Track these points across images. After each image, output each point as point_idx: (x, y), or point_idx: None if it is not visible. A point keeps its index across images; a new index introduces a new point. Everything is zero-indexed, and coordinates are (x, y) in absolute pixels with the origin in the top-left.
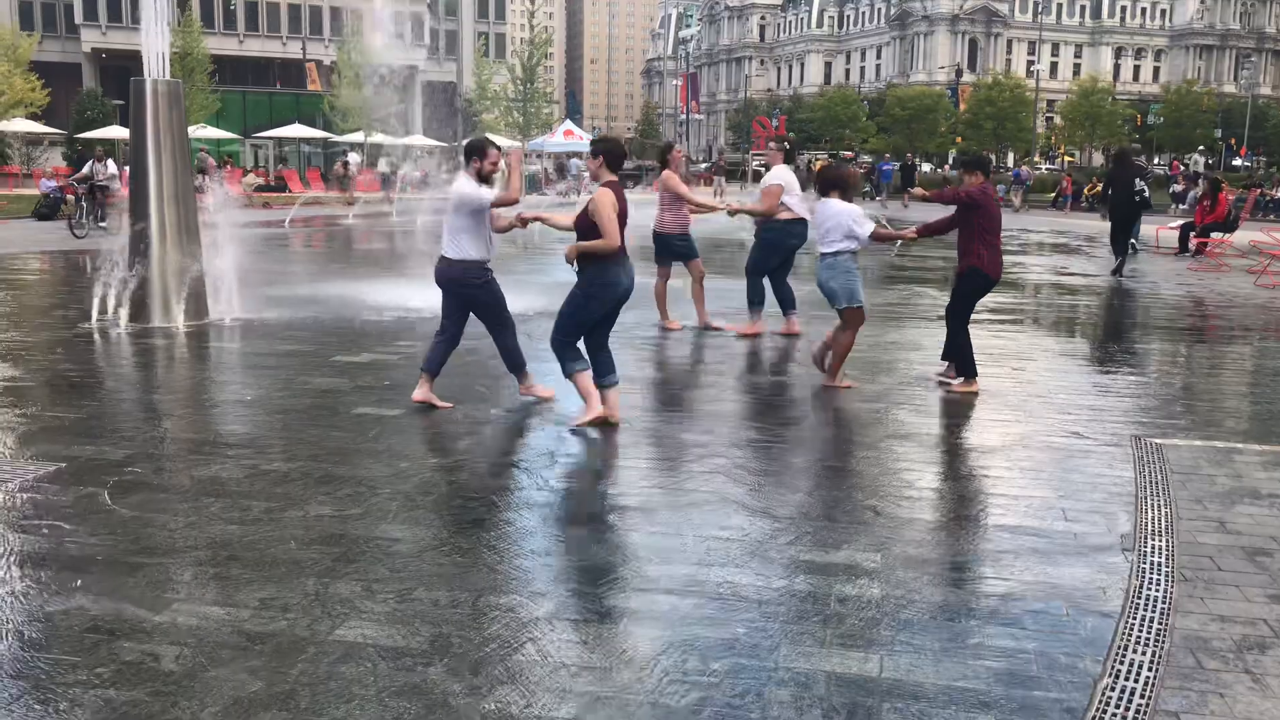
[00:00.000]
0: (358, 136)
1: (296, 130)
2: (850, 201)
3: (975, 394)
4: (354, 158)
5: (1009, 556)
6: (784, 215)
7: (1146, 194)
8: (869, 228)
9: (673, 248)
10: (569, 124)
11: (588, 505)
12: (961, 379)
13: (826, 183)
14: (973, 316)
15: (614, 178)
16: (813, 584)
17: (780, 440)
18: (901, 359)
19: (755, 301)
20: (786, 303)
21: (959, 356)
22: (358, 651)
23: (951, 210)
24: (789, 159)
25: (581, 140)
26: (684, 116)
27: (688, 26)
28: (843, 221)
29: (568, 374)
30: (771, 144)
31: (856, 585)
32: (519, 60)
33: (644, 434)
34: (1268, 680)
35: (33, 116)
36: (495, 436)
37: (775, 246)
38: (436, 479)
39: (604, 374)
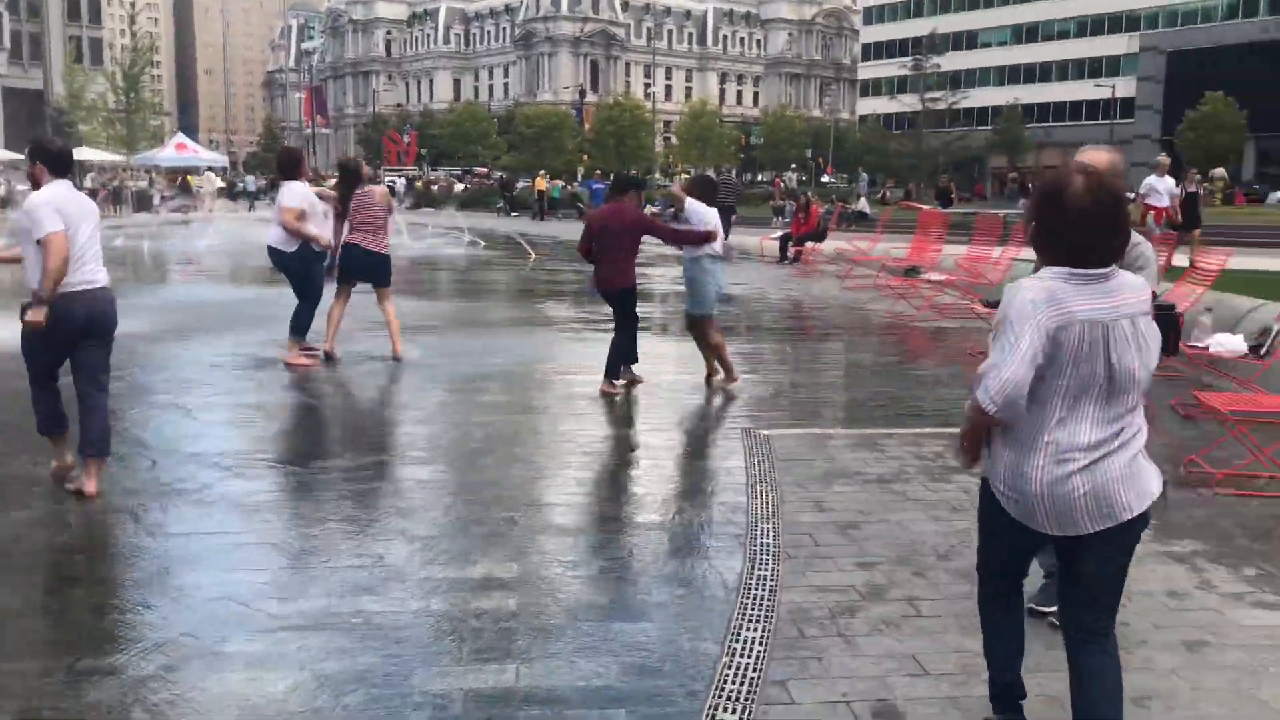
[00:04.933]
0: None
1: None
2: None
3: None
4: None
5: (636, 551)
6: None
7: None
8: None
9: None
10: (181, 136)
11: (201, 547)
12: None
13: (693, 189)
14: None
15: None
16: (450, 602)
17: (359, 457)
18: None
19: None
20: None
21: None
22: None
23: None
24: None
25: (196, 154)
26: (309, 130)
27: (310, 39)
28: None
29: None
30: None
31: (493, 598)
32: (120, 68)
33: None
34: (856, 640)
35: None
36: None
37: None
38: (27, 534)
39: None
